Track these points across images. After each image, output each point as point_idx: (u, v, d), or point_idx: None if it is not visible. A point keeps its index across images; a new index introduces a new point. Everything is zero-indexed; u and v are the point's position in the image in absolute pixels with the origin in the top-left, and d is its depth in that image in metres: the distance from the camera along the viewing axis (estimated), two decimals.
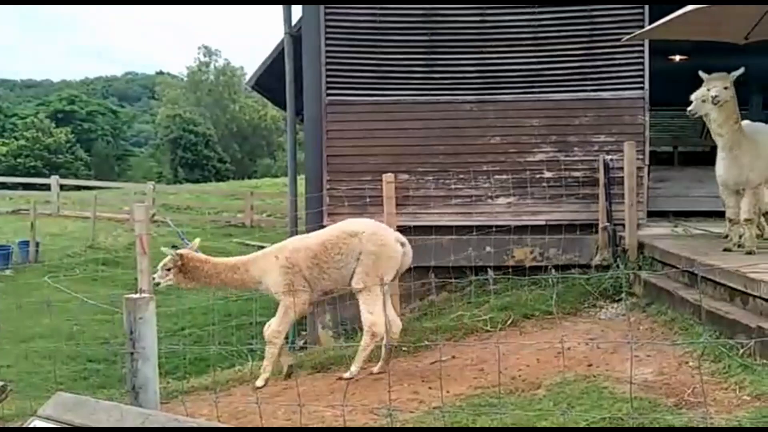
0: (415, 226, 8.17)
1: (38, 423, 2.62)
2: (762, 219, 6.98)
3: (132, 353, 3.10)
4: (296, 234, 9.89)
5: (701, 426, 3.80)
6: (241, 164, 59.49)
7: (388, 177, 7.07)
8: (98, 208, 21.03)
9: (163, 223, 21.24)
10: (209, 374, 6.88)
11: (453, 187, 8.87)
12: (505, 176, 8.80)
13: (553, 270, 7.32)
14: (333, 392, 5.55)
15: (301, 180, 10.46)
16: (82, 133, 55.04)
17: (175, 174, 53.64)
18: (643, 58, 8.81)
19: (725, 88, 6.25)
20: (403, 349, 6.39)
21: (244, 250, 19.14)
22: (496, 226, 8.36)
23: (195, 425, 2.31)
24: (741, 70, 6.32)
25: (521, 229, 8.58)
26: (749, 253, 6.36)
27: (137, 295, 3.13)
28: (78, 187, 31.43)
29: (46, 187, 26.48)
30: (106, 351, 9.37)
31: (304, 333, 9.90)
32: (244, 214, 23.80)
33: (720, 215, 7.49)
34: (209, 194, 29.75)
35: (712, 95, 6.24)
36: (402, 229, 7.11)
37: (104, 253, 17.28)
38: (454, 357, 6.02)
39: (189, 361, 8.47)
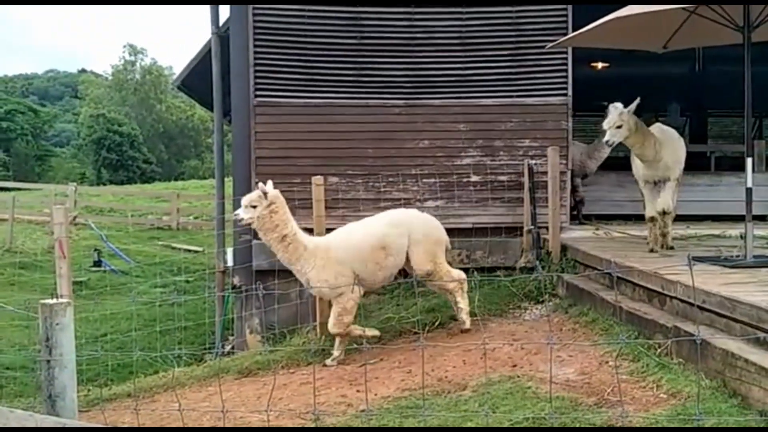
0: None
1: None
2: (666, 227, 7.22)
3: (48, 360, 3.00)
4: (222, 237, 9.79)
5: (618, 425, 3.92)
6: (168, 165, 58.29)
7: (317, 179, 7.05)
8: (17, 209, 20.28)
9: (85, 226, 20.67)
10: (132, 381, 6.70)
11: (382, 190, 8.91)
12: (433, 180, 8.89)
13: (476, 272, 7.41)
14: (260, 397, 5.49)
15: (229, 182, 10.32)
16: (0, 133, 52.91)
17: (99, 175, 52.17)
18: (566, 65, 9.05)
19: (618, 127, 6.55)
20: (331, 352, 6.37)
21: (170, 253, 18.79)
22: None
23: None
24: (637, 101, 6.65)
25: (448, 232, 8.55)
26: (651, 251, 6.81)
27: (54, 301, 3.03)
28: None
29: None
30: (23, 358, 9.04)
31: (231, 338, 9.77)
32: (170, 216, 23.34)
33: (641, 219, 7.75)
34: (134, 196, 29.04)
35: (605, 140, 6.70)
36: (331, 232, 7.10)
37: (22, 257, 16.64)
38: (382, 359, 6.04)
39: (111, 367, 8.21)
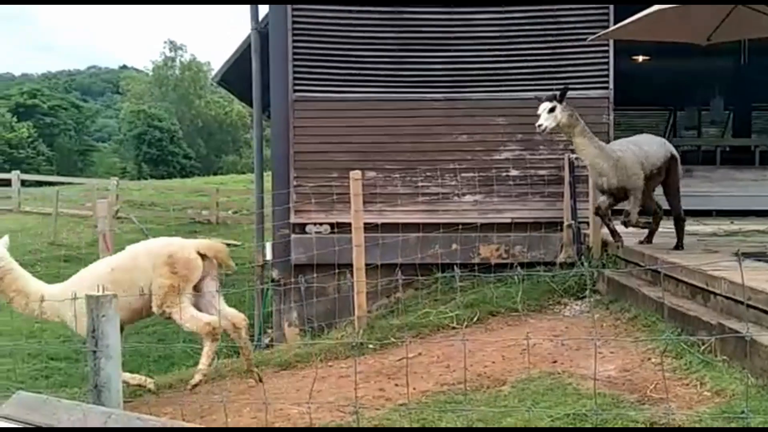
0: (382, 224, 8.20)
1: None
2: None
3: (94, 351, 3.05)
4: (262, 231, 9.87)
5: (662, 423, 3.86)
6: (207, 160, 58.97)
7: (355, 174, 7.05)
8: (60, 204, 20.69)
9: (126, 220, 21.00)
10: (174, 372, 6.80)
11: (420, 184, 8.90)
12: (471, 174, 8.85)
13: (518, 267, 7.37)
14: (298, 390, 5.52)
15: (267, 177, 10.40)
16: (44, 128, 54.02)
17: (140, 170, 52.98)
18: (607, 58, 8.93)
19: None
20: (370, 346, 6.38)
21: None
22: (463, 224, 8.40)
23: (158, 425, 2.28)
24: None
25: (487, 227, 8.65)
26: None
27: (100, 293, 3.08)
28: (40, 183, 30.85)
29: (7, 183, 25.94)
30: (68, 349, 9.22)
31: (270, 331, 9.86)
32: (210, 210, 23.58)
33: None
34: (174, 190, 29.43)
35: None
36: (369, 227, 7.13)
37: (66, 250, 16.97)
38: (420, 354, 6.03)
39: (153, 359, 8.37)
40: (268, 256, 9.31)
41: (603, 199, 6.76)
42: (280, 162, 9.12)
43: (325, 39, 8.98)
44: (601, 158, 6.45)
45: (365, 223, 6.95)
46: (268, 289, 9.66)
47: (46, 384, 8.27)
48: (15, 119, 52.08)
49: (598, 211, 6.85)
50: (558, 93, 6.24)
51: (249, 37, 9.76)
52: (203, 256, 5.48)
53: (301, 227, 8.94)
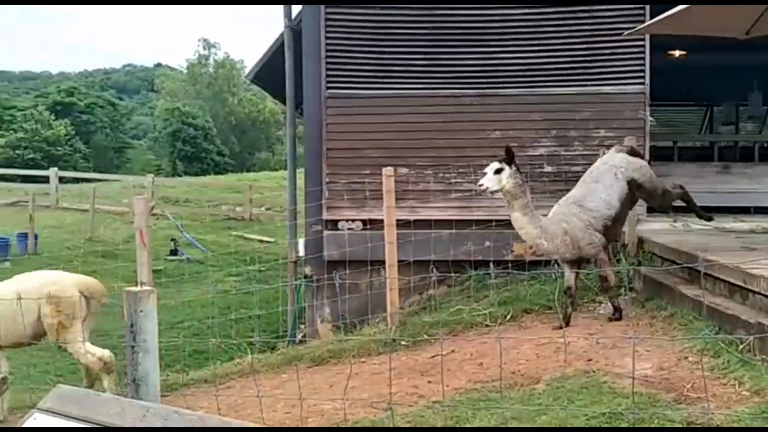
0: (414, 220, 8.19)
1: (38, 416, 2.60)
2: None
3: (133, 346, 3.09)
4: (294, 227, 9.92)
5: (699, 422, 3.81)
6: (240, 157, 59.45)
7: (387, 171, 7.06)
8: (97, 200, 21.02)
9: (162, 216, 21.26)
10: (208, 367, 6.88)
11: (453, 181, 8.86)
12: None
13: (554, 265, 7.29)
14: (332, 386, 5.55)
15: (300, 173, 10.46)
16: (81, 126, 54.89)
17: (174, 167, 53.59)
18: (644, 52, 8.80)
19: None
20: (402, 343, 6.39)
21: (243, 243, 19.18)
22: (496, 221, 8.34)
23: (196, 419, 2.30)
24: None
25: None
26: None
27: (138, 288, 3.12)
28: (77, 180, 31.41)
29: (45, 180, 26.44)
30: (104, 343, 9.35)
31: (303, 326, 9.92)
32: (243, 207, 23.79)
33: (720, 210, 7.50)
34: (208, 187, 29.74)
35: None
36: (401, 223, 7.12)
37: (103, 246, 17.26)
38: (453, 351, 6.02)
39: (188, 354, 8.46)
40: (301, 253, 9.37)
41: (570, 277, 6.22)
42: (313, 159, 9.16)
43: (358, 35, 8.99)
44: (545, 238, 5.99)
45: (397, 220, 6.96)
46: (300, 285, 9.72)
47: (75, 379, 8.40)
48: (53, 117, 52.99)
49: (567, 292, 6.29)
50: (509, 156, 5.84)
51: (282, 34, 9.81)
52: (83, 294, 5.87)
53: (334, 224, 8.97)
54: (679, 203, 6.98)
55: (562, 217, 6.07)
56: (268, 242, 18.60)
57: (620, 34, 8.05)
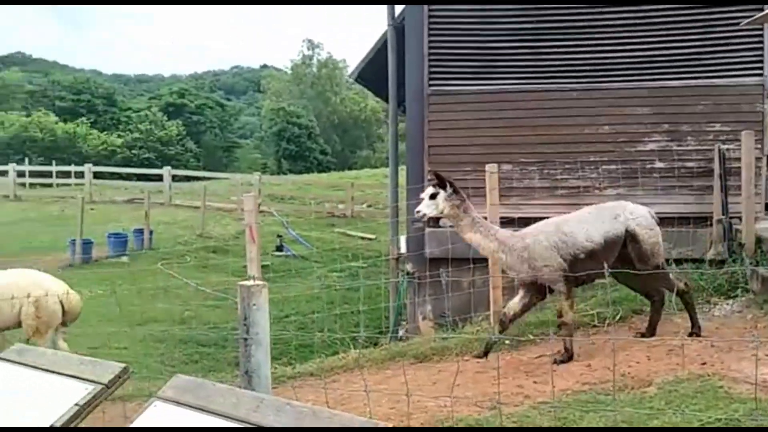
0: (519, 218, 8.05)
1: (158, 404, 2.72)
2: None
3: (246, 338, 3.19)
4: (396, 225, 9.96)
5: None
6: (342, 156, 60.33)
7: (491, 168, 6.97)
8: (207, 198, 21.80)
9: (268, 213, 21.84)
10: (314, 360, 7.01)
11: (558, 177, 8.68)
12: (613, 166, 8.53)
13: (674, 263, 7.02)
14: (435, 383, 5.55)
15: (401, 171, 10.50)
16: (191, 126, 57.18)
17: (279, 165, 54.97)
18: (762, 42, 8.34)
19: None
20: (506, 342, 6.30)
21: (346, 240, 19.47)
22: None
23: (307, 411, 2.34)
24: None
25: None
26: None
27: (251, 283, 3.21)
28: (188, 178, 32.71)
29: (159, 178, 27.68)
30: (215, 336, 9.73)
31: (404, 323, 9.96)
32: (346, 204, 24.13)
33: None
34: (312, 185, 30.35)
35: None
36: (505, 221, 7.03)
37: (213, 242, 17.90)
38: (559, 351, 5.90)
39: (294, 347, 8.66)
40: (403, 250, 9.41)
41: (515, 301, 5.81)
42: (415, 156, 9.18)
43: (461, 32, 8.94)
44: (503, 251, 5.64)
45: (501, 218, 6.86)
46: (402, 282, 9.76)
47: (196, 368, 8.76)
48: (165, 118, 55.45)
49: (501, 319, 5.85)
50: (446, 181, 5.59)
51: (385, 33, 9.86)
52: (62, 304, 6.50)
53: (435, 221, 8.94)
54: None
55: (530, 232, 5.74)
56: (369, 239, 18.81)
57: (737, 24, 7.65)
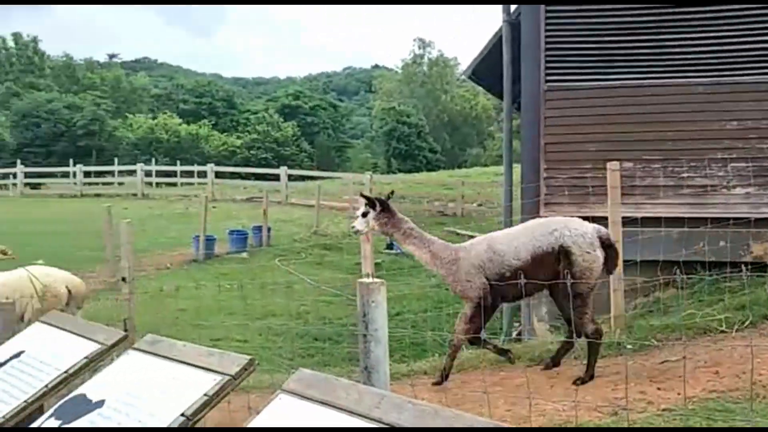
0: (642, 218, 7.75)
1: (283, 396, 2.79)
2: None
3: (365, 335, 3.22)
4: (510, 224, 9.80)
5: None
6: (451, 154, 60.22)
7: (612, 165, 6.73)
8: (321, 196, 22.26)
9: None
10: (427, 359, 7.01)
11: (684, 175, 8.29)
12: (743, 164, 8.07)
13: None
14: (552, 386, 5.43)
15: (515, 169, 10.34)
16: (305, 127, 58.69)
17: (389, 164, 55.51)
18: None
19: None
20: (628, 346, 6.09)
21: (455, 239, 19.38)
22: (733, 219, 7.68)
23: (429, 410, 2.33)
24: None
25: (762, 222, 7.81)
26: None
27: (370, 280, 3.24)
28: (302, 177, 33.58)
29: (276, 178, 28.54)
30: (330, 331, 9.91)
31: (517, 324, 9.80)
32: (456, 203, 24.04)
33: None
34: (422, 184, 30.43)
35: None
36: (626, 221, 6.79)
37: (327, 239, 18.25)
38: (684, 358, 5.63)
39: (406, 344, 8.70)
40: None
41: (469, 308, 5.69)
42: (530, 154, 9.01)
43: (579, 26, 8.70)
44: (436, 264, 5.66)
45: (623, 217, 6.62)
46: None
47: (311, 362, 8.94)
48: (281, 119, 57.18)
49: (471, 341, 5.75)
50: (370, 202, 5.79)
51: (500, 29, 9.74)
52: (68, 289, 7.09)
53: None
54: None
55: (465, 246, 5.74)
56: None
57: None
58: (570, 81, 8.71)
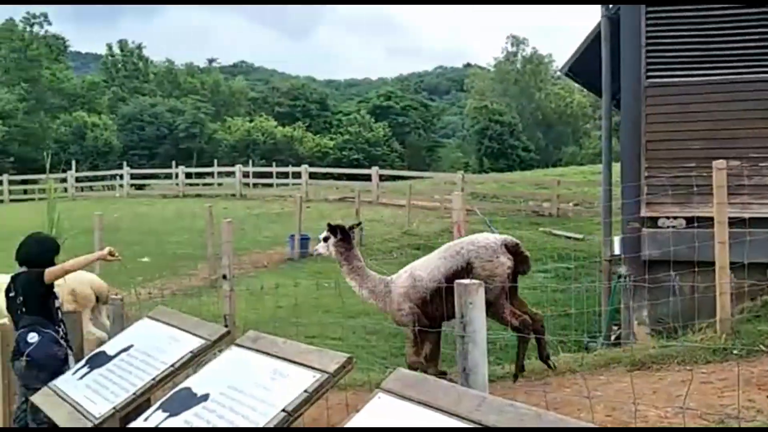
0: (749, 218, 7.40)
1: (382, 395, 2.81)
2: None
3: (462, 336, 3.20)
4: (609, 225, 9.55)
5: None
6: (546, 152, 59.22)
7: (719, 164, 6.44)
8: (412, 196, 22.32)
9: (470, 212, 21.93)
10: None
11: None
12: None
13: None
14: (655, 392, 5.25)
15: (614, 168, 10.06)
16: (396, 127, 58.99)
17: (481, 163, 55.10)
18: None
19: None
20: (734, 352, 5.82)
21: (550, 239, 19.03)
22: None
23: (531, 414, 2.30)
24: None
25: None
26: None
27: (468, 281, 3.21)
28: (393, 177, 33.75)
29: (367, 178, 28.80)
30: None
31: (615, 328, 9.54)
32: (551, 203, 23.59)
33: None
34: (515, 183, 30.04)
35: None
36: (733, 221, 6.49)
37: (418, 239, 18.28)
38: None
39: (500, 347, 8.60)
40: (617, 251, 8.99)
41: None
42: (630, 152, 8.74)
43: (682, 19, 8.38)
44: (373, 298, 6.02)
45: (729, 218, 6.33)
46: (615, 285, 9.34)
47: (403, 362, 8.96)
48: (373, 120, 57.69)
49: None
50: (331, 229, 6.09)
51: (598, 25, 9.48)
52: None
53: (653, 221, 8.47)
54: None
55: (393, 278, 6.02)
56: (576, 239, 18.25)
57: None
58: (672, 77, 8.40)
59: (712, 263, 6.34)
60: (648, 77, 8.47)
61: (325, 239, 6.19)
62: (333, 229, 6.11)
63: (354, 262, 6.05)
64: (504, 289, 5.68)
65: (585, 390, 5.22)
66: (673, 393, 5.11)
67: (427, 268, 5.81)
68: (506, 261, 5.67)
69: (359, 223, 6.58)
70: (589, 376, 5.82)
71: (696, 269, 6.93)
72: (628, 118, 8.76)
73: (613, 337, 9.19)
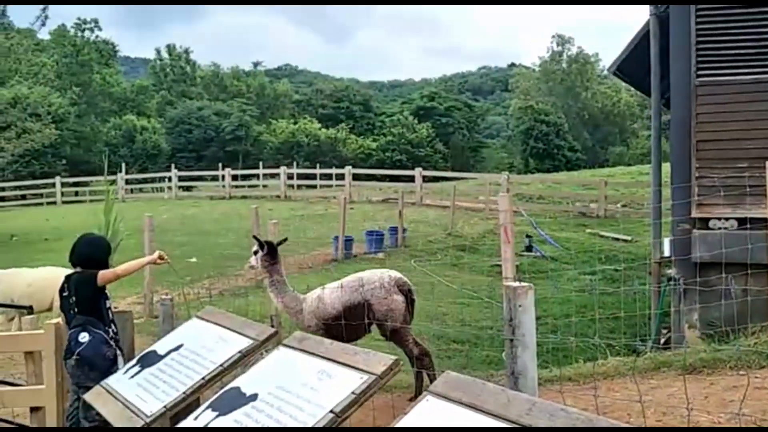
0: None
1: (430, 398, 2.81)
2: None
3: (512, 339, 3.18)
4: (659, 226, 9.37)
5: None
6: (592, 152, 58.43)
7: None
8: (456, 197, 22.22)
9: (516, 213, 21.75)
10: (571, 365, 6.83)
11: None
12: None
13: None
14: (707, 397, 5.14)
15: (663, 168, 9.87)
16: (440, 128, 58.79)
17: (526, 164, 54.61)
18: None
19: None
20: None
21: (598, 241, 18.77)
22: None
23: (582, 418, 2.27)
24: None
25: None
26: None
27: (517, 284, 3.19)
28: (437, 178, 33.67)
29: (410, 179, 28.79)
30: (468, 333, 9.87)
31: (664, 331, 9.37)
32: (597, 204, 23.26)
33: None
34: (561, 184, 29.70)
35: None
36: None
37: (463, 240, 18.19)
38: None
39: (547, 349, 8.51)
40: (666, 253, 8.82)
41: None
42: (680, 152, 8.56)
43: (734, 16, 8.19)
44: (287, 311, 6.51)
45: None
46: (665, 288, 9.16)
47: (449, 364, 8.92)
48: (416, 121, 57.62)
49: None
50: (260, 244, 6.45)
51: (647, 23, 9.32)
52: None
53: (704, 222, 8.29)
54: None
55: (306, 297, 6.45)
56: (625, 241, 17.96)
57: None
58: (724, 75, 8.22)
59: (766, 265, 6.20)
60: (698, 76, 8.30)
61: (255, 252, 6.58)
62: (261, 243, 6.52)
63: (275, 276, 6.47)
64: (405, 320, 6.31)
65: (635, 394, 5.16)
66: (726, 398, 5.00)
67: (331, 295, 6.35)
68: (399, 298, 6.27)
69: (285, 239, 6.98)
70: (640, 380, 5.74)
71: (749, 271, 6.77)
72: (678, 118, 8.59)
73: (662, 341, 9.03)
